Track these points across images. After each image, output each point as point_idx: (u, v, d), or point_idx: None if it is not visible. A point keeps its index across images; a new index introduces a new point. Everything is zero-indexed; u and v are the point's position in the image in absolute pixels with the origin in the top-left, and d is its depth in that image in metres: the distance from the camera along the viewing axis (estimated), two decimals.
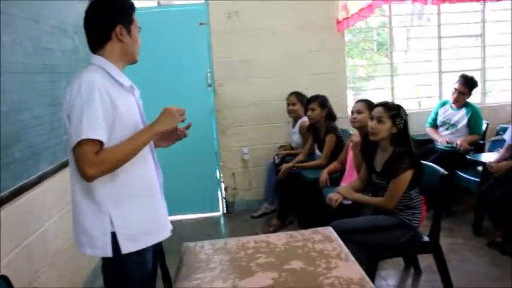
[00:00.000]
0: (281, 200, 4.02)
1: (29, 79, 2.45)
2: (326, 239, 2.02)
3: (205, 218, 4.63)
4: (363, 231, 2.58)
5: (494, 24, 4.96)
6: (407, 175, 2.58)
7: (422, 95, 5.43)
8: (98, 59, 1.72)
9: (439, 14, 4.83)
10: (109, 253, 1.66)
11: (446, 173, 2.69)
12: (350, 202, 2.84)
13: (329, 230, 2.11)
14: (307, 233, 2.11)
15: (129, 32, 1.74)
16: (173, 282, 1.79)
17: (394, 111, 2.66)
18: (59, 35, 2.91)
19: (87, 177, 1.57)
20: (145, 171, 1.76)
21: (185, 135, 1.96)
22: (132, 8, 1.76)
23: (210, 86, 4.58)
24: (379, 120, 2.67)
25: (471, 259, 3.29)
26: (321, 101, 3.88)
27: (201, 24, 4.48)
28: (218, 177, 4.76)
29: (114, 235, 1.66)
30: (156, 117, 1.74)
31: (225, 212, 4.77)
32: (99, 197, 1.66)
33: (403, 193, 2.61)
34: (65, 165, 2.84)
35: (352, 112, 3.38)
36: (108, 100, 1.60)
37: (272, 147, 4.71)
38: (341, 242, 1.97)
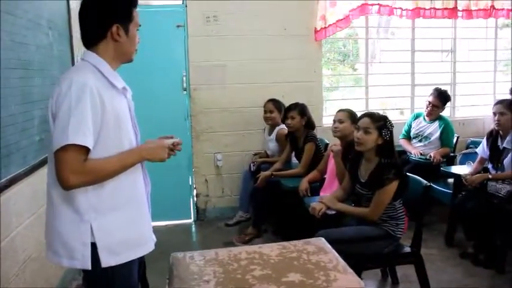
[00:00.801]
0: (257, 208, 3.95)
1: (3, 75, 2.29)
2: (320, 250, 1.98)
3: (176, 225, 4.50)
4: (350, 242, 2.56)
5: (464, 40, 5.14)
6: (393, 186, 2.59)
7: (388, 107, 5.50)
8: (91, 55, 1.62)
9: (413, 28, 4.95)
10: (88, 265, 1.55)
11: (429, 184, 2.73)
12: (334, 212, 2.82)
13: (322, 241, 2.07)
14: (299, 244, 2.06)
15: (127, 31, 1.63)
16: None
17: (380, 122, 2.67)
18: (34, 29, 2.75)
19: (67, 185, 1.47)
20: (133, 179, 1.66)
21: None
22: (132, 4, 1.65)
23: (185, 90, 4.48)
24: (366, 131, 2.67)
25: (446, 269, 3.35)
26: (301, 109, 3.87)
27: (178, 26, 4.39)
28: (190, 183, 4.65)
29: (94, 246, 1.55)
30: (148, 143, 1.67)
31: (195, 219, 4.66)
32: (80, 205, 1.54)
33: (388, 204, 2.62)
34: (36, 168, 2.68)
35: (334, 121, 3.38)
36: (99, 103, 1.50)
37: (246, 155, 4.66)
38: (336, 254, 1.94)
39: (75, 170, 1.44)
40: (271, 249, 1.99)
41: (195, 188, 4.66)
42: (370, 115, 2.74)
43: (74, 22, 3.62)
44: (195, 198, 4.66)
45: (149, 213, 1.77)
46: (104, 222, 1.56)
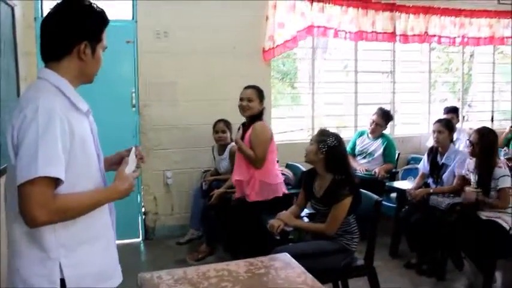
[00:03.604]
0: (211, 226, 3.93)
1: None
2: (287, 265, 2.02)
3: (125, 245, 4.36)
4: (308, 256, 2.60)
5: (402, 63, 5.50)
6: (348, 201, 2.70)
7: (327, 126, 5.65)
8: (50, 74, 1.48)
9: (356, 50, 5.22)
10: None
11: (380, 199, 2.87)
12: (291, 229, 2.88)
13: (287, 257, 2.12)
14: (265, 260, 2.09)
15: (93, 51, 1.52)
16: None
17: (322, 137, 2.84)
18: None
19: (35, 224, 1.33)
20: (101, 210, 1.55)
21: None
22: (104, 23, 1.54)
23: (134, 106, 4.40)
24: (310, 143, 2.87)
25: (392, 279, 3.51)
26: None
27: (127, 42, 4.33)
28: (139, 201, 4.54)
29: (63, 283, 1.43)
30: (121, 182, 1.55)
31: (143, 238, 4.55)
32: (47, 243, 1.41)
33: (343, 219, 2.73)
34: None
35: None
36: (67, 129, 1.38)
37: (196, 172, 4.64)
38: (302, 268, 1.99)
39: (44, 206, 1.31)
40: (239, 266, 2.00)
41: (143, 206, 4.56)
42: (320, 130, 2.95)
43: (20, 33, 3.47)
44: (143, 217, 4.56)
45: (115, 243, 1.68)
46: (74, 259, 1.45)
